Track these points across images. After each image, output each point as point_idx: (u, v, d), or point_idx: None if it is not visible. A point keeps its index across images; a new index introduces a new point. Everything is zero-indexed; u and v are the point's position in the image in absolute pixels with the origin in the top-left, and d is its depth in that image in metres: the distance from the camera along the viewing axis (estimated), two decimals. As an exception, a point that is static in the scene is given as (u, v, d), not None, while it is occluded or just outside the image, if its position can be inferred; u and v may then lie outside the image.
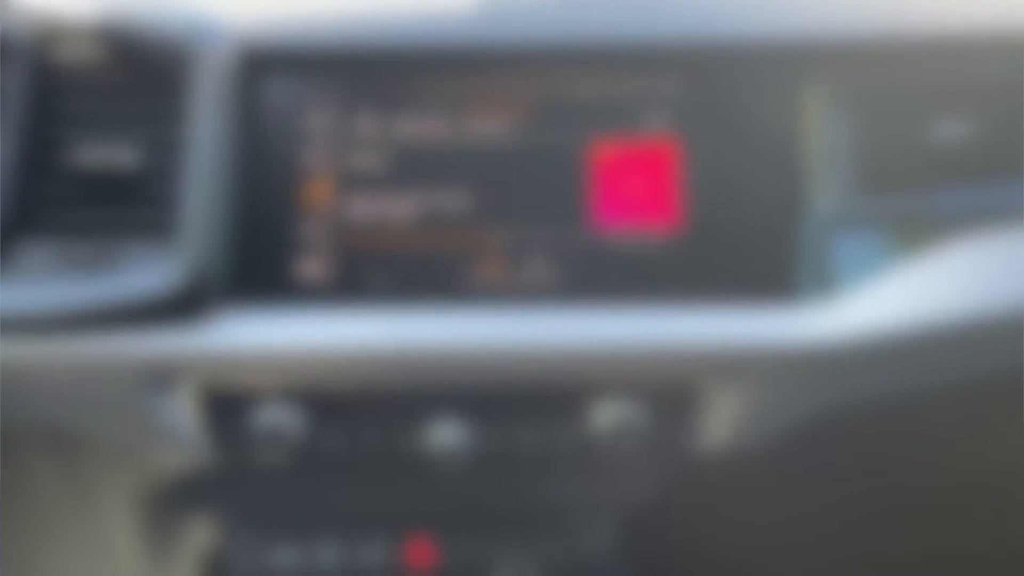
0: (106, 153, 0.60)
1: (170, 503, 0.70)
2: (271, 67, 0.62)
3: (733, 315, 0.60)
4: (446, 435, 0.61)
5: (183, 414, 0.61)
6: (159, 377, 0.60)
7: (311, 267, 0.60)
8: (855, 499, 0.75)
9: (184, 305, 0.58)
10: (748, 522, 0.74)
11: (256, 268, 0.60)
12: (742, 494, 0.70)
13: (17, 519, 0.73)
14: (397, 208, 0.61)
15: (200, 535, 0.73)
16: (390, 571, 0.71)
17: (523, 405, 0.62)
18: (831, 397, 0.64)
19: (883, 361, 0.62)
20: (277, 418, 0.60)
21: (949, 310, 0.62)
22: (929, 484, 0.77)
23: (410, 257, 0.61)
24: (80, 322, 0.57)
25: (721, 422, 0.63)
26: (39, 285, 0.58)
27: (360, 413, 0.62)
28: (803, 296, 0.61)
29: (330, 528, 0.71)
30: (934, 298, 0.62)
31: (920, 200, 0.64)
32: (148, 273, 0.58)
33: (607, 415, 0.61)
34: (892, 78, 0.64)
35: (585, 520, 0.71)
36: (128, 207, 0.60)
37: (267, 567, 0.71)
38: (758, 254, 0.61)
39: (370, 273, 0.60)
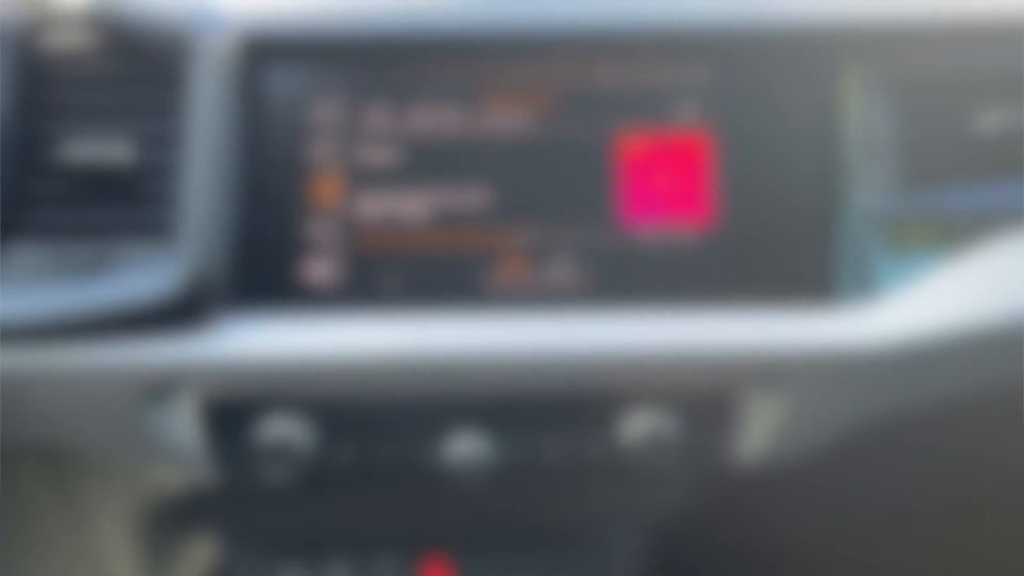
0: (101, 148, 0.56)
1: (169, 521, 0.67)
2: (275, 56, 0.58)
3: (769, 319, 0.57)
4: (466, 448, 0.58)
5: (183, 427, 0.57)
6: (158, 388, 0.56)
7: (319, 270, 0.56)
8: (895, 508, 0.72)
9: (184, 311, 0.54)
10: (784, 535, 0.70)
11: (260, 271, 0.56)
12: (779, 507, 0.66)
13: (12, 537, 0.69)
14: (411, 206, 0.57)
15: (200, 554, 0.69)
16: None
17: (548, 416, 0.58)
18: (873, 405, 0.60)
19: (927, 367, 0.59)
20: (284, 431, 0.56)
21: (993, 313, 0.59)
22: (972, 489, 0.74)
23: (425, 259, 0.57)
24: (74, 330, 0.53)
25: (758, 432, 0.59)
26: (31, 290, 0.54)
27: (373, 425, 0.58)
28: (843, 299, 0.58)
29: (339, 546, 0.67)
30: (978, 301, 0.59)
31: (963, 195, 0.61)
32: (146, 276, 0.54)
33: (638, 426, 0.58)
34: (934, 65, 0.61)
35: (611, 537, 0.67)
36: (124, 206, 0.56)
37: (272, 588, 0.67)
38: (795, 254, 0.58)
39: (382, 276, 0.57)
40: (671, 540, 0.68)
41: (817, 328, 0.57)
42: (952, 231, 0.60)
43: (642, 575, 0.68)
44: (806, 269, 0.58)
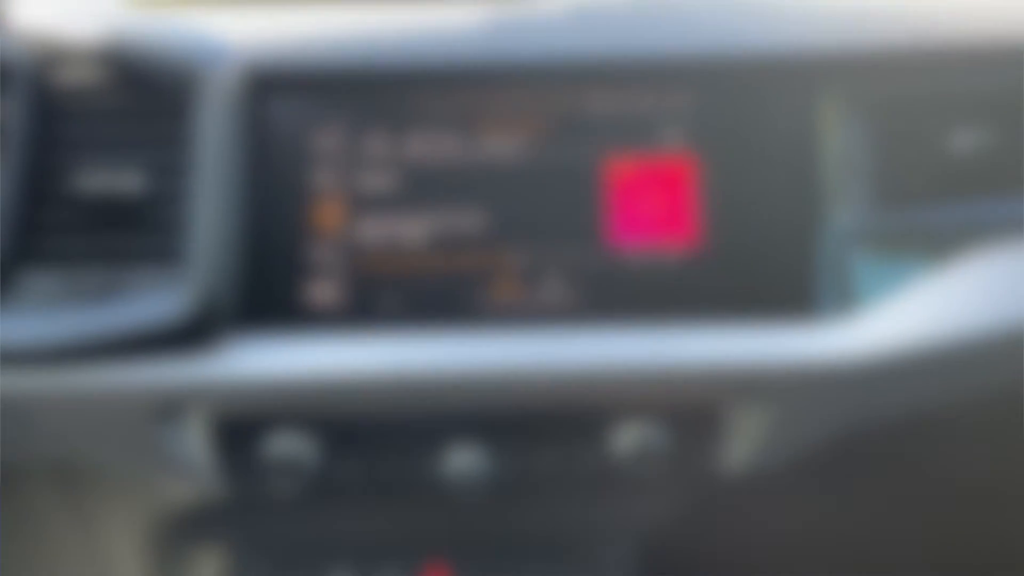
0: (110, 178, 0.59)
1: (177, 534, 0.69)
2: (277, 88, 0.60)
3: (753, 334, 0.59)
4: (464, 461, 0.60)
5: (193, 444, 0.59)
6: (168, 407, 0.58)
7: (322, 292, 0.59)
8: (879, 515, 0.74)
9: (193, 333, 0.56)
10: (771, 541, 0.72)
11: (266, 294, 0.58)
12: (765, 514, 0.68)
13: (23, 550, 0.71)
14: (409, 229, 0.60)
15: (208, 567, 0.71)
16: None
17: (542, 429, 0.61)
18: (854, 415, 0.62)
19: (906, 377, 0.61)
20: (290, 447, 0.59)
21: (971, 324, 0.61)
22: (953, 498, 0.76)
23: (423, 280, 0.59)
24: (86, 353, 0.55)
25: (744, 442, 0.61)
26: (43, 315, 0.57)
27: (375, 440, 0.60)
28: (823, 313, 0.60)
29: (343, 558, 0.70)
30: (956, 313, 0.61)
31: (940, 212, 0.63)
32: (155, 301, 0.56)
33: (628, 438, 0.60)
34: (908, 88, 0.63)
35: (605, 547, 0.69)
36: (133, 233, 0.59)
37: (278, 599, 0.69)
38: (777, 270, 0.60)
39: (383, 297, 0.59)
40: (663, 548, 0.70)
41: (799, 341, 0.59)
42: (929, 246, 0.62)
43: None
44: (788, 285, 0.60)
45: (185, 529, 0.68)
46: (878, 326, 0.60)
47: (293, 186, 0.59)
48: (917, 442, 0.69)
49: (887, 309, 0.60)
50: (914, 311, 0.61)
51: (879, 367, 0.60)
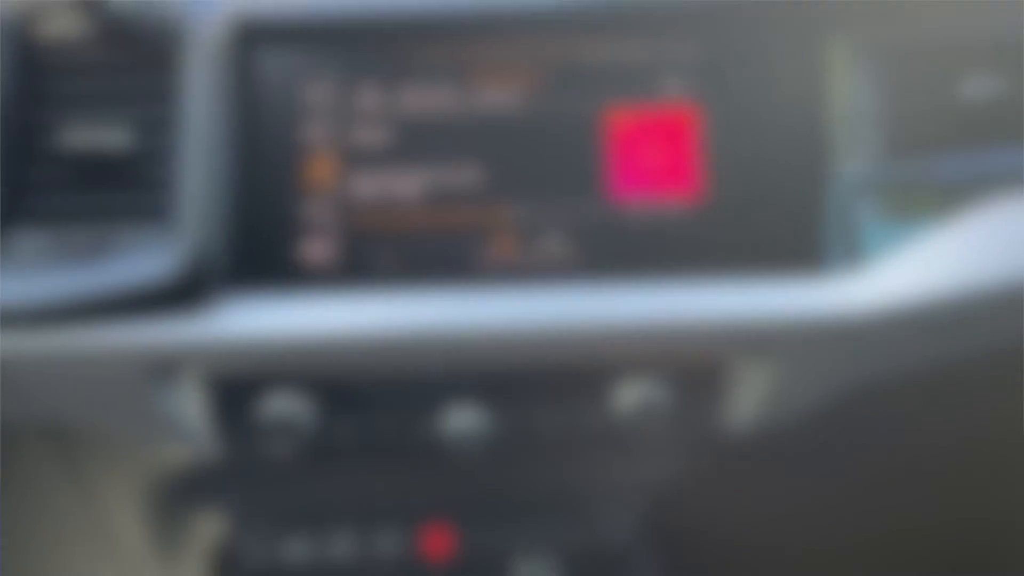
0: (97, 135, 0.57)
1: (176, 497, 0.68)
2: (267, 39, 0.58)
3: (758, 288, 0.58)
4: (463, 421, 0.59)
5: (188, 406, 0.58)
6: (162, 368, 0.57)
7: (315, 249, 0.58)
8: (886, 472, 0.73)
9: (185, 292, 0.55)
10: (776, 501, 0.72)
11: (258, 252, 0.57)
12: (770, 472, 0.67)
13: (20, 516, 0.70)
14: (404, 185, 0.58)
15: (208, 529, 0.71)
16: (406, 562, 0.69)
17: (543, 388, 0.59)
18: (860, 371, 0.61)
19: (914, 332, 0.60)
20: (286, 408, 0.58)
21: (980, 278, 0.59)
22: (960, 453, 0.75)
23: (419, 236, 0.58)
24: (77, 312, 0.54)
25: (748, 399, 0.60)
26: (33, 275, 0.56)
27: (372, 401, 0.59)
28: (830, 267, 0.59)
29: (343, 519, 0.69)
30: (965, 267, 0.60)
31: (949, 162, 0.61)
32: (146, 259, 0.55)
33: (630, 396, 0.59)
34: (917, 33, 0.61)
35: (607, 506, 0.69)
36: (122, 191, 0.57)
37: (277, 561, 0.68)
38: (783, 223, 0.59)
39: (377, 254, 0.58)
40: (667, 507, 0.69)
41: (806, 296, 0.58)
42: (940, 197, 0.61)
43: (640, 544, 0.69)
44: (794, 238, 0.59)
45: (184, 492, 0.68)
46: (887, 280, 0.59)
47: (284, 141, 0.58)
48: (921, 400, 0.67)
49: (896, 263, 0.59)
50: (923, 265, 0.59)
51: (888, 322, 0.58)
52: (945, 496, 0.79)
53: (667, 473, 0.66)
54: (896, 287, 0.59)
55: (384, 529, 0.69)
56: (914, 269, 0.59)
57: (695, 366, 0.60)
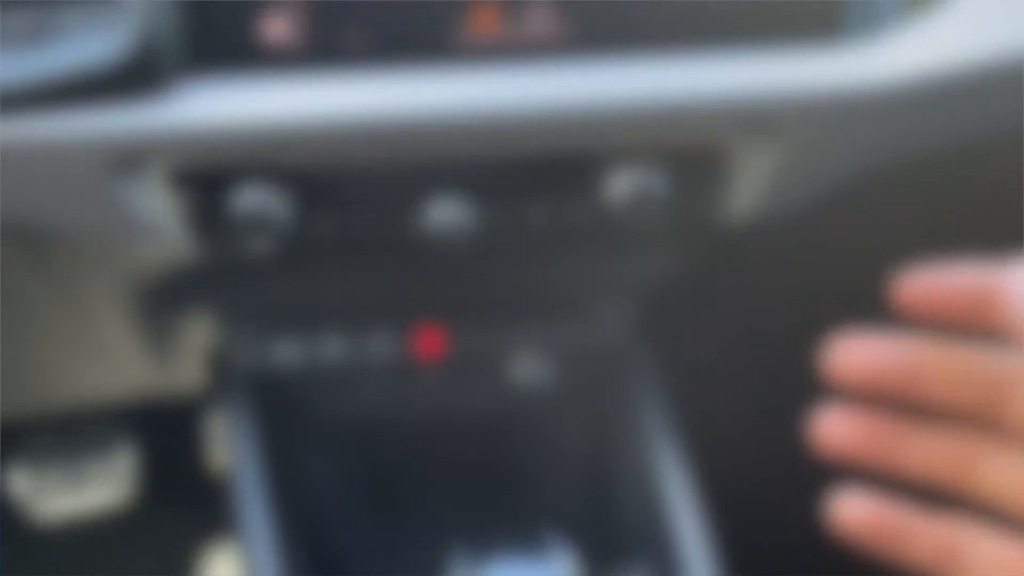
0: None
1: (161, 299, 0.66)
2: None
3: (766, 61, 0.53)
4: (446, 213, 0.56)
5: (155, 201, 0.55)
6: (124, 159, 0.54)
7: (278, 28, 0.52)
8: (885, 262, 0.69)
9: (137, 76, 0.51)
10: (778, 294, 0.69)
11: (216, 32, 0.52)
12: (771, 264, 0.64)
13: (6, 324, 0.69)
14: (373, -47, 0.52)
15: (199, 332, 0.70)
16: (398, 361, 0.68)
17: (530, 178, 0.56)
18: (871, 149, 0.57)
19: (933, 104, 0.55)
20: (258, 201, 0.54)
21: (1001, 47, 0.54)
22: (974, 233, 0.72)
23: (390, 11, 0.52)
24: (22, 100, 0.50)
25: (749, 185, 0.56)
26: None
27: (349, 193, 0.56)
28: (849, 36, 0.53)
29: (332, 322, 0.67)
30: (986, 35, 0.55)
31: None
32: (92, 43, 0.50)
33: (623, 185, 0.55)
34: None
35: (603, 303, 0.66)
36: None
37: (268, 363, 0.67)
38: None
39: (345, 32, 0.53)
40: (668, 305, 0.67)
41: (819, 68, 0.53)
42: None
43: (638, 341, 0.67)
44: (808, 6, 0.53)
45: (169, 293, 0.66)
46: (906, 50, 0.54)
47: (237, -97, 0.52)
48: (926, 189, 0.63)
49: (917, 33, 0.54)
50: (944, 34, 0.54)
51: (905, 93, 0.54)
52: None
53: (665, 265, 0.63)
54: (916, 57, 0.54)
55: (375, 330, 0.67)
56: (936, 39, 0.54)
57: (694, 150, 0.55)
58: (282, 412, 0.70)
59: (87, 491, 1.10)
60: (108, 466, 1.08)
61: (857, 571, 0.40)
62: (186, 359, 0.72)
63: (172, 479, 1.05)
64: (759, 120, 0.54)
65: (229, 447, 0.67)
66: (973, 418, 0.27)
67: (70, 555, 1.11)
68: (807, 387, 0.32)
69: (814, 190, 0.57)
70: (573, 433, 0.69)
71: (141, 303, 0.67)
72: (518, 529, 0.45)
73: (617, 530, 0.67)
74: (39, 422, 0.98)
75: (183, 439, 0.98)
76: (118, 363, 0.74)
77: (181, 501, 1.06)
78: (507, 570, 0.43)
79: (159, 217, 0.56)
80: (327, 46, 0.52)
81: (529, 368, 0.68)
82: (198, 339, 0.71)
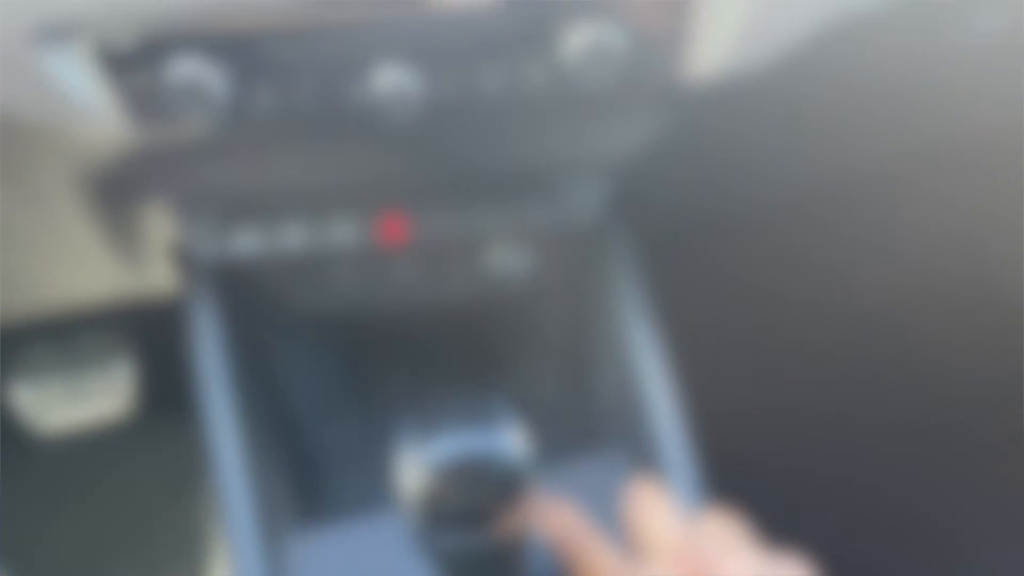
0: None
1: (117, 190, 0.64)
2: None
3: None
4: (391, 80, 0.52)
5: (82, 76, 0.52)
6: (45, 33, 0.51)
7: None
8: (856, 121, 0.65)
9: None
10: (745, 159, 0.65)
11: None
12: (739, 126, 0.60)
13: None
14: None
15: (159, 225, 0.68)
16: (362, 250, 0.65)
17: (479, 42, 0.52)
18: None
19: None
20: (190, 71, 0.52)
21: None
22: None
23: None
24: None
25: (716, 39, 0.52)
26: None
27: (287, 61, 0.53)
28: None
29: (293, 211, 0.65)
30: None
31: None
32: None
33: (579, 39, 0.51)
34: None
35: (569, 181, 0.63)
36: None
37: (230, 253, 0.65)
38: None
39: None
40: (639, 181, 0.63)
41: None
42: None
43: (608, 218, 0.64)
44: None
45: (123, 184, 0.64)
46: None
47: None
48: (899, 41, 0.58)
49: None
50: None
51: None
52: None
53: (633, 141, 0.60)
54: None
55: (337, 219, 0.65)
56: None
57: (654, 4, 0.51)
58: (250, 304, 0.68)
59: (88, 403, 1.11)
60: (107, 378, 1.09)
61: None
62: (153, 255, 0.70)
63: (171, 387, 1.05)
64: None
65: (195, 339, 0.66)
66: None
67: (73, 465, 1.12)
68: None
69: (781, 44, 0.53)
70: (548, 317, 0.67)
71: (97, 195, 0.65)
72: (472, 407, 0.43)
73: (593, 413, 0.65)
74: (34, 331, 0.97)
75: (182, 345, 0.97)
76: (88, 263, 0.72)
77: (181, 408, 1.05)
78: (455, 441, 0.41)
79: (90, 92, 0.53)
80: None
81: (500, 253, 0.65)
82: (160, 234, 0.68)
